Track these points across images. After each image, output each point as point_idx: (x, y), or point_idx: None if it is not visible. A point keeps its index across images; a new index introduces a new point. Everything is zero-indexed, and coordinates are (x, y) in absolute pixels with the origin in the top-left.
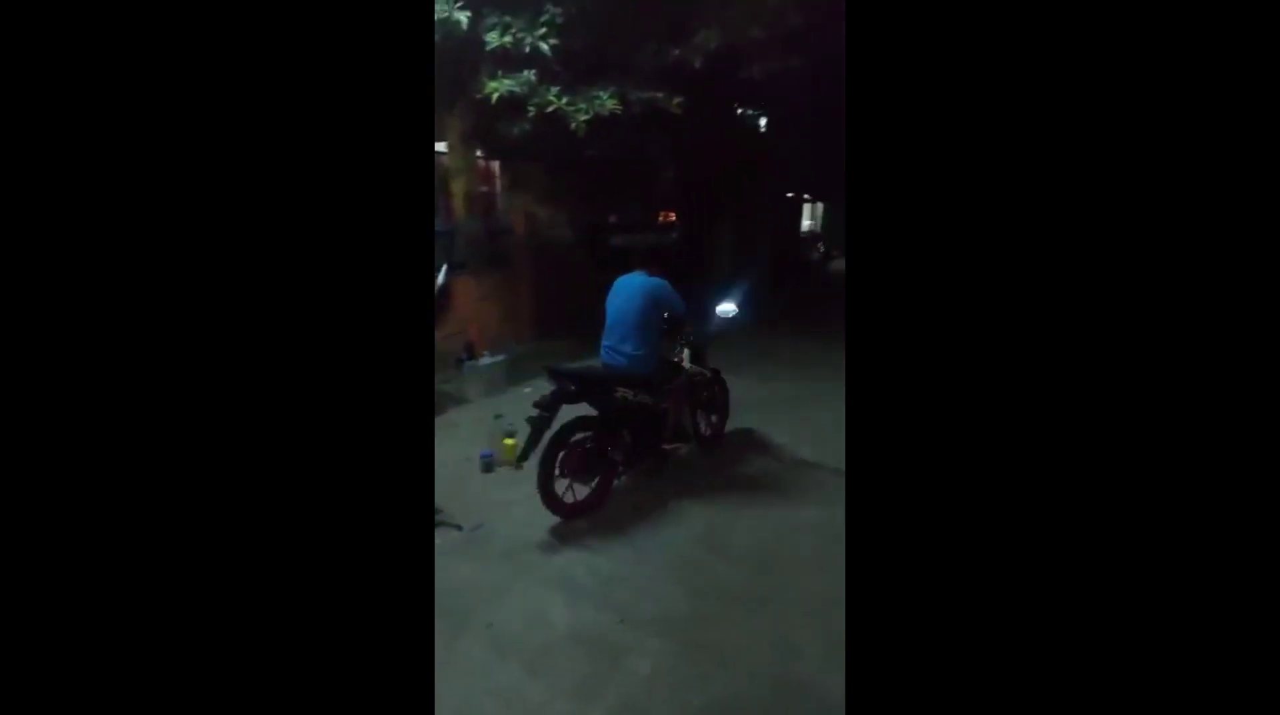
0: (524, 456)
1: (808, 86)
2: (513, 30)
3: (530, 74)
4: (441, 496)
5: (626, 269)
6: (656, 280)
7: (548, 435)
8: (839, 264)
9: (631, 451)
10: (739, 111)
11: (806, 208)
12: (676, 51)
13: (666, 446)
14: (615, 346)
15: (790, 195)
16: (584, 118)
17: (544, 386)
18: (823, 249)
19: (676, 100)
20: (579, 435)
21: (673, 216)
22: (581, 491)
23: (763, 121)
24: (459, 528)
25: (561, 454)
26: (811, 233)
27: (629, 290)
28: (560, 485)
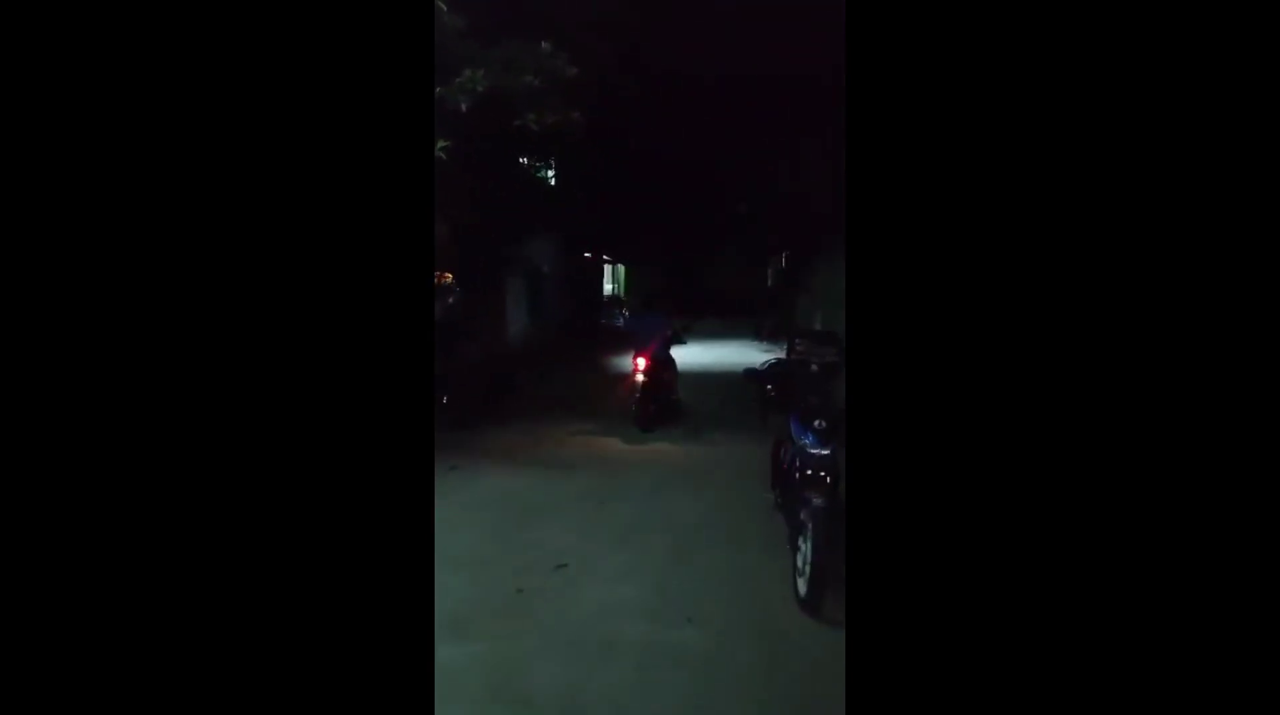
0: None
1: (601, 142)
2: None
3: None
4: None
5: (645, 310)
6: (662, 317)
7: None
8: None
9: (666, 396)
10: (521, 162)
11: (607, 270)
12: (439, 89)
13: (675, 397)
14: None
15: (588, 256)
16: None
17: None
18: (626, 314)
19: (441, 143)
20: (649, 389)
21: (449, 277)
22: (645, 418)
23: (550, 174)
24: None
25: (645, 396)
26: (614, 297)
27: (652, 321)
28: (644, 415)
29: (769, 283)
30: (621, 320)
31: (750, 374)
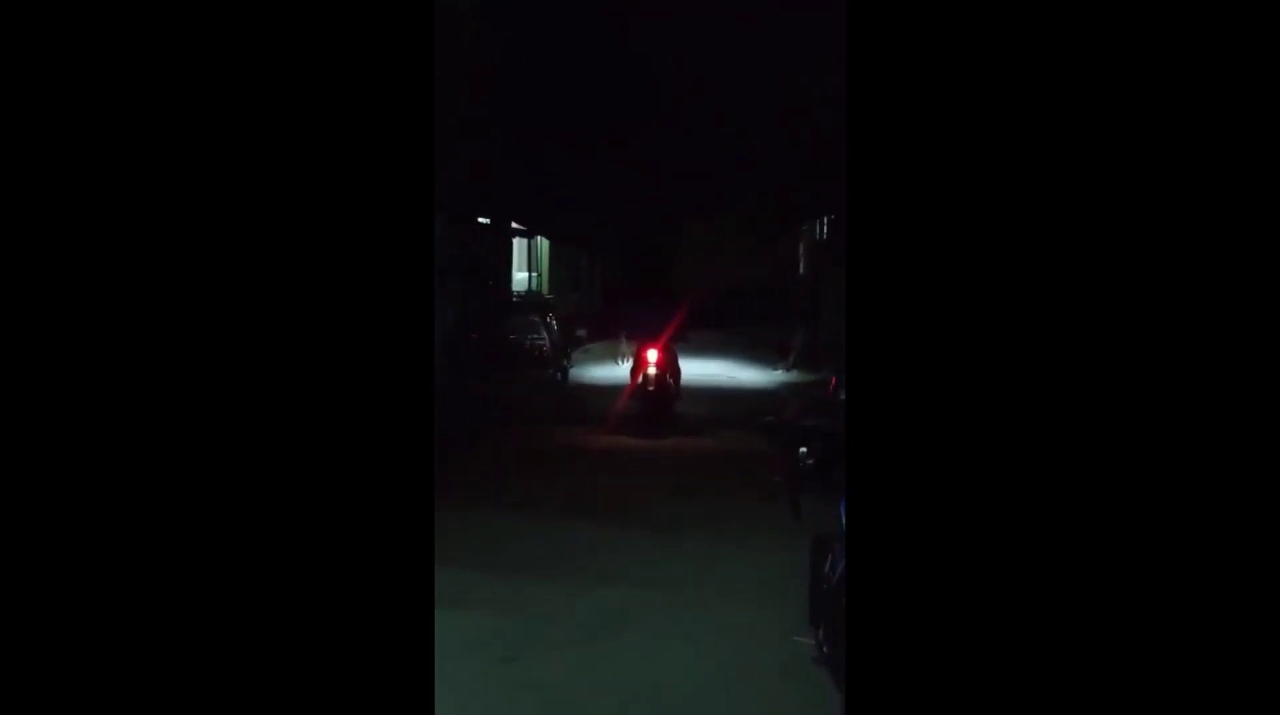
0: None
1: (503, 27)
2: None
3: None
4: None
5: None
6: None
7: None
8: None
9: (671, 399)
10: None
11: (517, 248)
12: None
13: (676, 403)
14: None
15: (485, 222)
16: None
17: None
18: (555, 325)
19: None
20: (658, 395)
21: None
22: (654, 415)
23: None
24: None
25: (656, 392)
26: (534, 295)
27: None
28: (652, 411)
29: (800, 268)
30: (546, 340)
31: (772, 429)
